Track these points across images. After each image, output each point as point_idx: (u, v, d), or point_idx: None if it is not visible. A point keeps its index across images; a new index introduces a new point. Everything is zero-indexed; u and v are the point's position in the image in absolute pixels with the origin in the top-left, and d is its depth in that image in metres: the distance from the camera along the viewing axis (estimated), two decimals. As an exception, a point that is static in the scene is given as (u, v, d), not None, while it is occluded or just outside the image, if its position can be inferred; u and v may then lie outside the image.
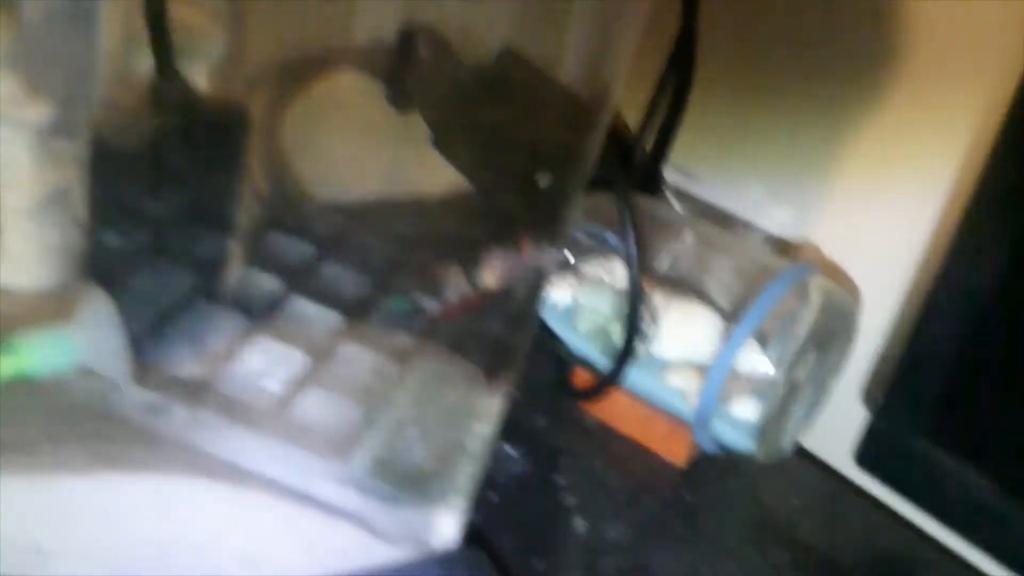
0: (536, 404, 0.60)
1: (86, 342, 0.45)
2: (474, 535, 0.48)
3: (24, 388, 0.44)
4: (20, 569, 0.41)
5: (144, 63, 0.57)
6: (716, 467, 0.59)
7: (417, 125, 0.60)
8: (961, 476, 0.43)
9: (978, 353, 0.43)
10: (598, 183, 0.58)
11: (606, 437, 0.59)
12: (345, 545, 0.45)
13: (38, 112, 0.50)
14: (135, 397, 0.46)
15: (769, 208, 0.63)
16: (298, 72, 0.61)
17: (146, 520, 0.43)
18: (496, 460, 0.56)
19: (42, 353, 0.45)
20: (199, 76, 0.58)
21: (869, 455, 0.51)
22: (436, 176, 0.60)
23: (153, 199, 0.50)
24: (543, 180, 0.55)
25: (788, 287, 0.55)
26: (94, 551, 0.42)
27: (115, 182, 0.49)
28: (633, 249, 0.55)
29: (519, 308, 0.53)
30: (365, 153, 0.63)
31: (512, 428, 0.58)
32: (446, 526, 0.47)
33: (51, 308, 0.49)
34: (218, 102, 0.53)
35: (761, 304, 0.54)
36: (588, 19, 0.52)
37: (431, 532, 0.46)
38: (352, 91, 0.62)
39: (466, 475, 0.47)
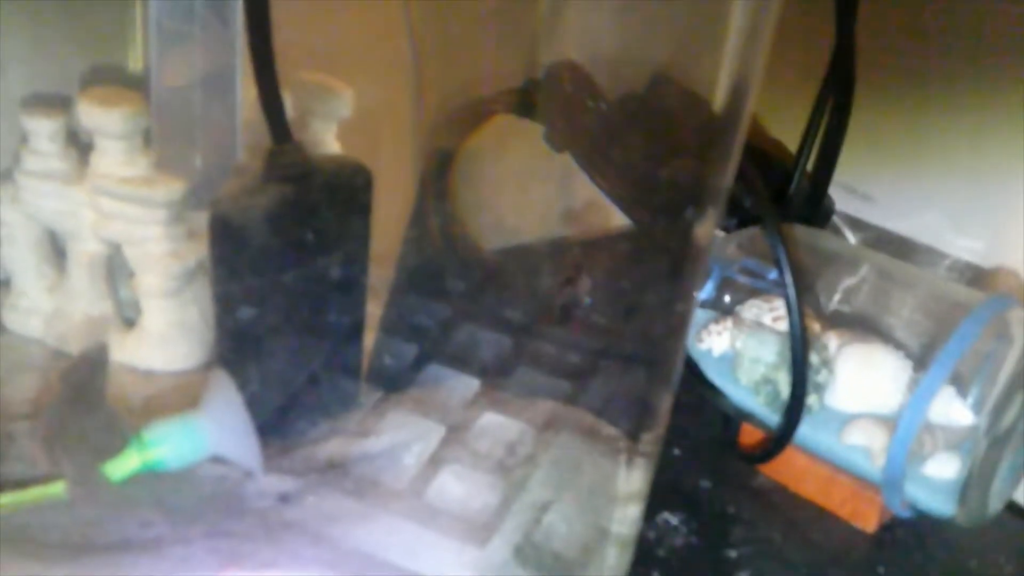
0: (700, 465, 0.55)
1: (215, 429, 0.43)
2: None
3: (151, 480, 0.42)
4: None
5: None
6: (912, 532, 0.52)
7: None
8: None
9: None
10: (752, 214, 0.53)
11: (781, 501, 0.53)
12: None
13: (169, 189, 0.49)
14: (266, 485, 0.44)
15: (952, 233, 0.56)
16: (460, 122, 0.59)
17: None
18: (656, 531, 0.50)
19: (172, 444, 0.43)
20: (328, 135, 0.56)
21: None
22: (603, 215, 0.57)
23: (279, 270, 0.48)
24: (691, 214, 0.49)
25: (985, 323, 0.48)
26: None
27: (239, 257, 0.47)
28: (791, 285, 0.49)
29: (659, 359, 0.48)
30: (529, 198, 0.60)
31: (673, 493, 0.53)
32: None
33: (190, 389, 0.48)
34: (336, 162, 0.51)
35: (955, 344, 0.47)
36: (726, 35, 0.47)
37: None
38: (510, 135, 0.59)
39: (614, 561, 0.42)
